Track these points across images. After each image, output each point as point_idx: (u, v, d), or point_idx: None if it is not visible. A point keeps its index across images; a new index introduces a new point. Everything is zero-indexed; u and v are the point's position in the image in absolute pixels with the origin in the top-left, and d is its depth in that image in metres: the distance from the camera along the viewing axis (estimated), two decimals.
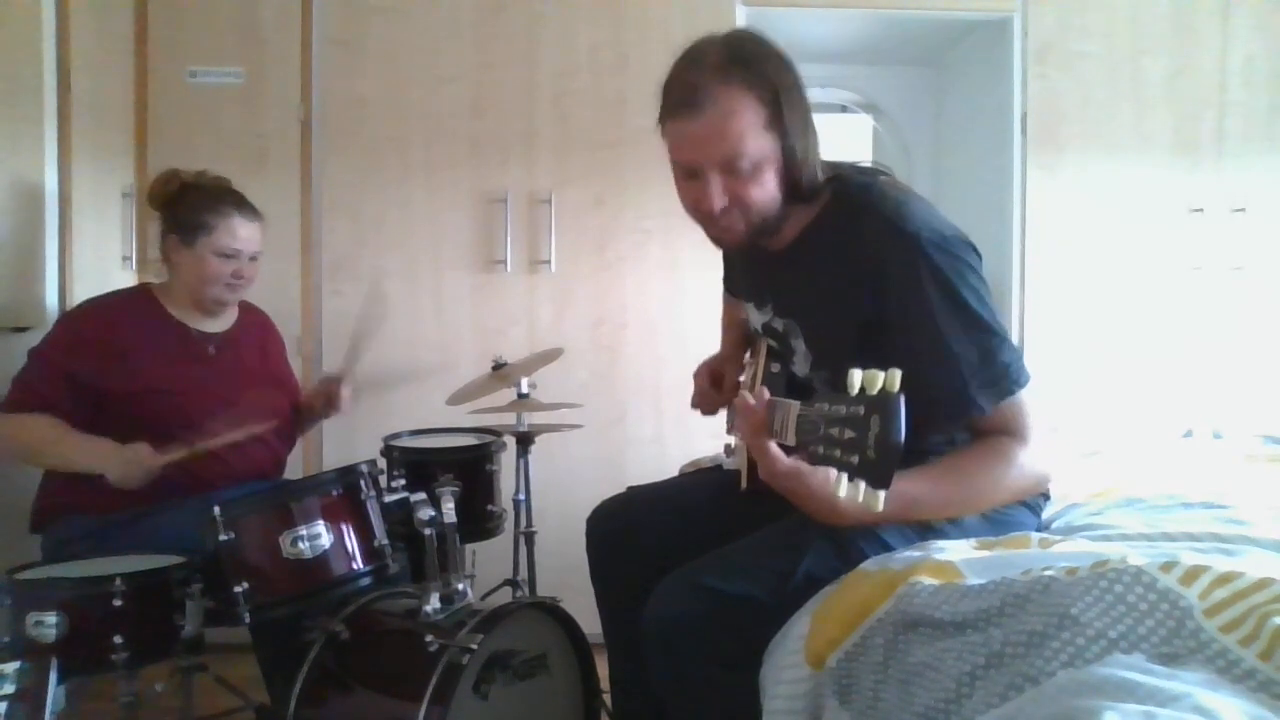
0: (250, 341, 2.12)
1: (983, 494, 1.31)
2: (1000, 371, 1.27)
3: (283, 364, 2.25)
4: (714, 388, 1.77)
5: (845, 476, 0.97)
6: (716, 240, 1.41)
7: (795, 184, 1.32)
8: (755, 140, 1.27)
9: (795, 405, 1.08)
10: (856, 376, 0.96)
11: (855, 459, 0.96)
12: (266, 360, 2.16)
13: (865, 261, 1.31)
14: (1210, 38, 2.94)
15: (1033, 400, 1.30)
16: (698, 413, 1.80)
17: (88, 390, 1.84)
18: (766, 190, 1.30)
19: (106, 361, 1.86)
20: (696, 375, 1.80)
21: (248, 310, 2.16)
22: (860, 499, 0.96)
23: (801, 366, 1.47)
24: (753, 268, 1.55)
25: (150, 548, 1.71)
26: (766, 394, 1.15)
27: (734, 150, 1.27)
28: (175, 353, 1.96)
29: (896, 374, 0.95)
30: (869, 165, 1.46)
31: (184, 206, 1.97)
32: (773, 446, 1.12)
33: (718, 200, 1.30)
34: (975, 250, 1.32)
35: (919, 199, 1.36)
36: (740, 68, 1.27)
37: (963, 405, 1.27)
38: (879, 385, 0.95)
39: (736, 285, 1.72)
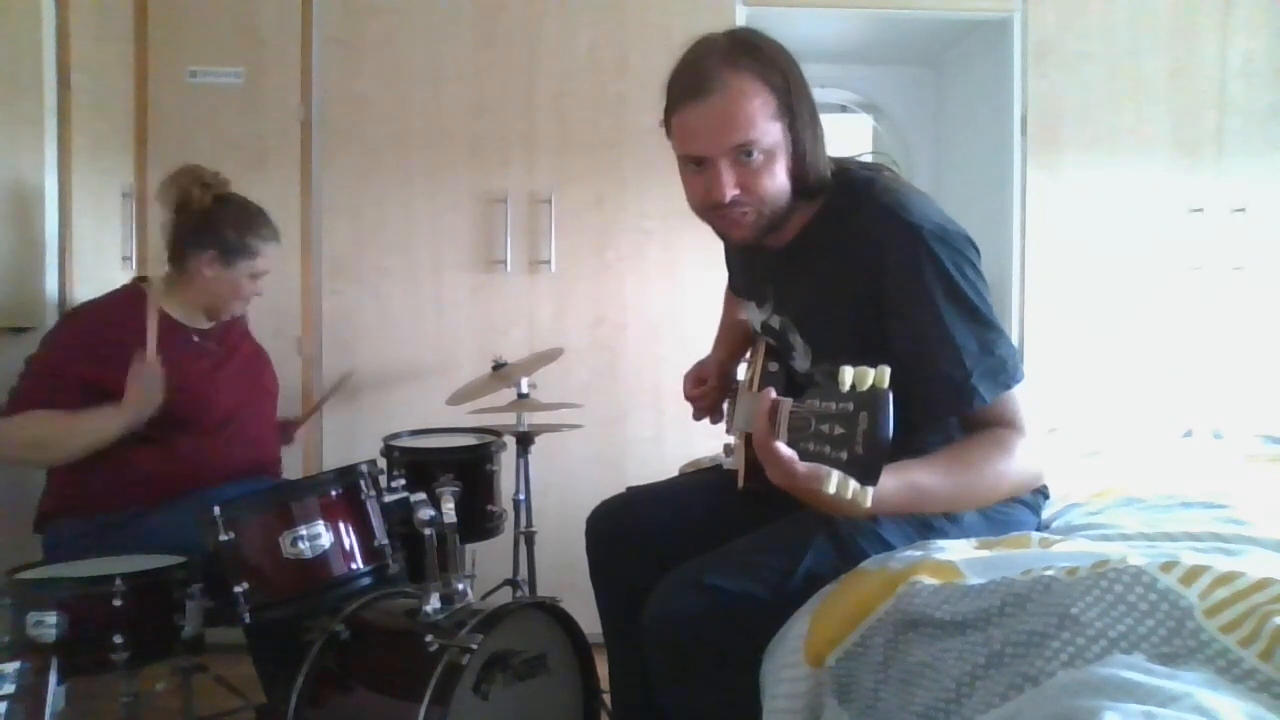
0: (238, 337, 2.15)
1: (988, 484, 1.28)
2: (999, 364, 1.27)
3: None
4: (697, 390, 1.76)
5: (835, 473, 0.98)
6: (724, 234, 1.39)
7: (803, 179, 1.31)
8: (766, 126, 1.26)
9: (788, 403, 1.08)
10: (847, 374, 0.97)
11: (844, 455, 0.97)
12: (254, 356, 2.19)
13: (864, 251, 1.30)
14: (1210, 37, 2.94)
15: (1025, 399, 1.30)
16: (705, 423, 1.78)
17: (89, 388, 1.83)
18: (777, 181, 1.29)
19: (105, 361, 1.85)
20: (684, 385, 1.78)
21: None
22: (850, 495, 0.96)
23: (802, 362, 1.46)
24: (752, 267, 1.55)
25: (150, 548, 1.72)
26: (773, 393, 1.12)
27: (745, 135, 1.25)
28: (172, 349, 1.96)
29: (886, 370, 0.95)
30: (872, 160, 1.45)
31: (225, 224, 1.95)
32: (782, 448, 1.07)
33: (729, 188, 1.27)
34: (975, 247, 1.32)
35: (921, 194, 1.35)
36: (749, 55, 1.26)
37: (964, 394, 1.26)
38: (869, 382, 0.95)
39: (737, 285, 1.72)
